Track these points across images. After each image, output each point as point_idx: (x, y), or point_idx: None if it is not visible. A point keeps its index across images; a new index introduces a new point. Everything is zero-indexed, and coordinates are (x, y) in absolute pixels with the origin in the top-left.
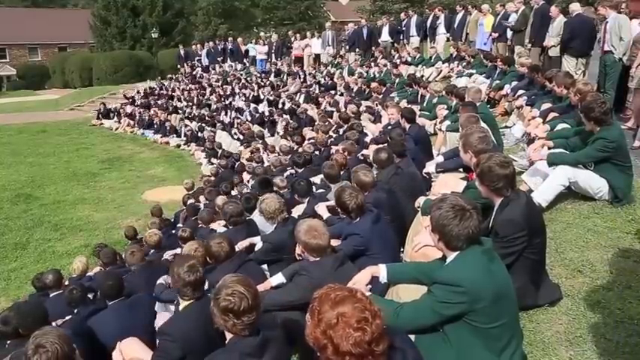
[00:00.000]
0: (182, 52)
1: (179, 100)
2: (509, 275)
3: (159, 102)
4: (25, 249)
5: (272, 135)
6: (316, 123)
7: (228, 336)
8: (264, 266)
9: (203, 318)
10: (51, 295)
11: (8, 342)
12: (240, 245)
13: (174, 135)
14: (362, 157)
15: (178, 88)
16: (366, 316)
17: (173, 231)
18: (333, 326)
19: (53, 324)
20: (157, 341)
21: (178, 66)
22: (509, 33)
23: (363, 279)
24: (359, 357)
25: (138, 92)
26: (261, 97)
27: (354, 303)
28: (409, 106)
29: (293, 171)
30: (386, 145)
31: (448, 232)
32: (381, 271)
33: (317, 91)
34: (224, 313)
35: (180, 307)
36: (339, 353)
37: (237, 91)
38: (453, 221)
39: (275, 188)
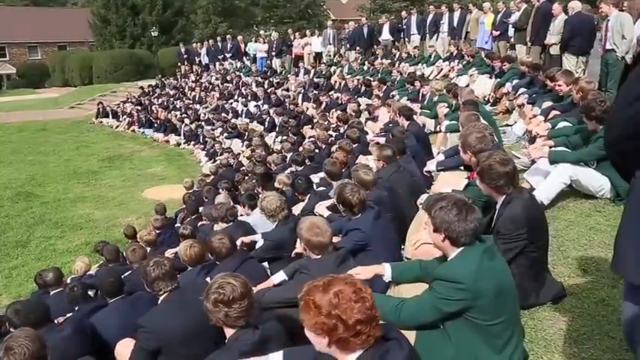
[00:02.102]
0: (183, 49)
1: (179, 98)
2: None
3: (159, 100)
4: (26, 247)
5: (271, 132)
6: (315, 121)
7: (228, 333)
8: (265, 264)
9: (181, 308)
10: (51, 293)
11: None
12: (242, 240)
13: (174, 133)
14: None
15: (177, 86)
16: (359, 287)
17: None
18: (336, 305)
19: (55, 322)
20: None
21: (179, 64)
22: (510, 31)
23: (363, 275)
24: (366, 323)
25: (140, 95)
26: (260, 95)
27: (343, 281)
28: (408, 104)
29: (293, 169)
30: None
31: (454, 229)
32: (385, 270)
33: (316, 90)
34: (215, 306)
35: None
36: (349, 327)
37: (236, 89)
38: (457, 217)
39: (280, 185)
